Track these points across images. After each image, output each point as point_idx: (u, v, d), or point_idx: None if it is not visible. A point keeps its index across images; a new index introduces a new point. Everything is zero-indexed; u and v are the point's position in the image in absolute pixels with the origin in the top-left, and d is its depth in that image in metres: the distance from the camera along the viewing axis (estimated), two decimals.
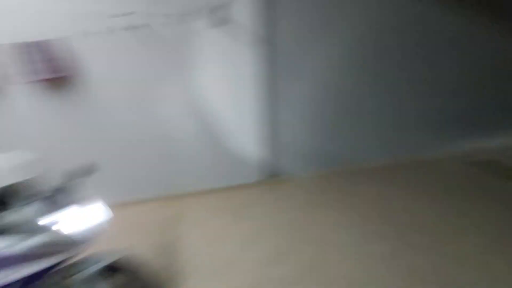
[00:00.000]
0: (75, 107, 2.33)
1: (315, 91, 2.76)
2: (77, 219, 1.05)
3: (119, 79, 2.35)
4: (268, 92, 2.66)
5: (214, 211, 2.53)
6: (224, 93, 2.60)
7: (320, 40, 2.57)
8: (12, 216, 0.97)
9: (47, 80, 2.11)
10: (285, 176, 3.00)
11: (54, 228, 0.99)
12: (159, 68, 2.39)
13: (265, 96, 2.67)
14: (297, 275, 1.76)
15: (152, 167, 2.70)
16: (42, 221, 0.98)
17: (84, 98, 2.32)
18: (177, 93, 2.50)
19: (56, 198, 1.05)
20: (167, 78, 2.44)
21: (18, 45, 2.01)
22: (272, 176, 2.96)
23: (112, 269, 1.22)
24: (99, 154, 2.26)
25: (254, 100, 2.66)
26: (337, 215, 2.33)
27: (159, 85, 2.45)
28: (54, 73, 2.09)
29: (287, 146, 2.90)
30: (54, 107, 2.29)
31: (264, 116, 2.73)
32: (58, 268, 1.04)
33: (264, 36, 2.44)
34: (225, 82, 2.57)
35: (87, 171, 1.25)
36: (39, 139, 2.34)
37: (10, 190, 0.88)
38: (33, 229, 0.96)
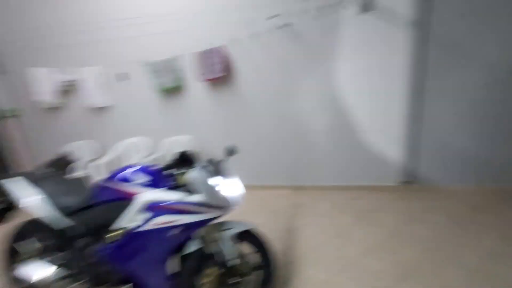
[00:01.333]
0: (230, 100, 2.91)
1: (474, 89, 2.29)
2: (227, 187, 1.35)
3: (264, 76, 2.72)
4: (416, 86, 2.38)
5: (341, 209, 2.46)
6: (367, 86, 2.48)
7: (486, 26, 2.15)
8: (184, 176, 1.34)
9: (215, 79, 2.75)
10: (426, 185, 2.64)
11: (212, 190, 1.29)
12: (301, 64, 2.58)
13: (413, 90, 2.39)
14: None
15: (287, 156, 2.91)
16: (204, 184, 1.28)
17: (236, 93, 2.86)
18: (318, 86, 2.61)
19: (213, 168, 1.37)
20: (308, 72, 2.59)
21: (203, 52, 2.68)
22: (410, 182, 2.66)
23: (242, 237, 1.47)
24: (244, 139, 2.97)
25: (400, 94, 2.42)
26: (493, 244, 1.86)
27: (300, 79, 2.64)
28: (220, 73, 2.69)
29: (434, 150, 2.52)
30: (216, 100, 2.95)
31: (410, 113, 2.45)
32: (209, 223, 1.35)
33: (416, 22, 2.18)
34: (368, 74, 2.45)
35: (232, 151, 1.53)
36: (206, 123, 3.07)
37: (186, 155, 1.30)
38: (198, 188, 1.27)
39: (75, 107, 3.54)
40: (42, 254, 1.66)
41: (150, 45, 2.95)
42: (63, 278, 1.56)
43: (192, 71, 2.89)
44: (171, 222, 1.29)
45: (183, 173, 1.36)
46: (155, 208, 1.30)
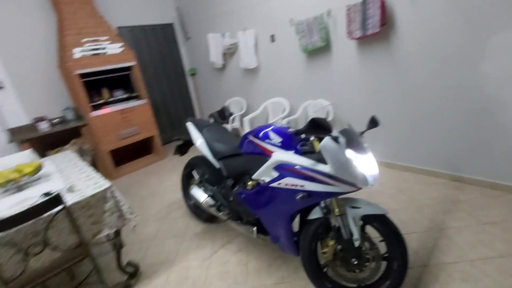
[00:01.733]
0: (383, 64, 2.45)
1: None
2: (361, 164, 1.18)
3: (437, 33, 2.06)
4: None
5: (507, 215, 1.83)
6: None
7: None
8: (318, 143, 1.28)
9: (367, 36, 2.37)
10: None
11: (344, 164, 1.16)
12: (496, 15, 1.78)
13: None
14: None
15: (453, 138, 2.23)
16: (337, 156, 1.16)
17: (393, 55, 2.36)
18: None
19: (349, 139, 1.20)
20: (506, 28, 1.78)
21: (354, 5, 2.34)
22: None
23: (370, 220, 1.33)
24: (395, 111, 2.53)
25: None
26: None
27: (493, 38, 1.84)
28: (375, 28, 2.27)
29: None
30: (365, 62, 2.57)
31: None
32: (336, 196, 1.28)
33: None
34: None
35: (376, 122, 1.36)
36: (350, 89, 2.78)
37: (320, 121, 1.11)
38: (330, 159, 1.17)
39: (233, 68, 4.10)
40: (200, 184, 2.15)
41: (299, 3, 2.87)
42: (211, 206, 1.96)
43: (340, 29, 2.63)
44: (296, 185, 1.31)
45: (318, 139, 1.30)
46: (284, 169, 1.35)
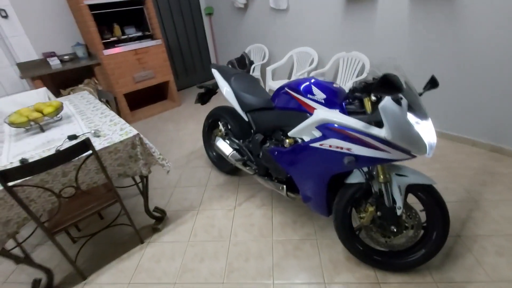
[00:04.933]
0: (439, 16, 2.12)
1: None
2: (421, 129, 1.05)
3: None
4: None
5: None
6: None
7: None
8: (376, 103, 1.11)
9: None
10: None
11: (407, 129, 1.04)
12: None
13: None
14: None
15: (496, 106, 2.08)
16: (399, 119, 1.03)
17: (453, 7, 2.03)
18: None
19: (414, 103, 1.07)
20: None
21: None
22: None
23: (413, 189, 1.24)
24: (439, 74, 2.27)
25: None
26: None
27: None
28: None
29: None
30: (419, 14, 2.22)
31: None
32: (385, 163, 1.19)
33: None
34: None
35: (435, 83, 1.17)
36: (396, 43, 2.45)
37: (389, 78, 0.92)
38: (389, 122, 1.03)
39: (257, 8, 3.67)
40: (225, 136, 2.05)
41: None
42: (238, 160, 1.89)
43: None
44: (342, 148, 1.19)
45: (372, 99, 1.14)
46: (329, 129, 1.22)
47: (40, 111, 1.63)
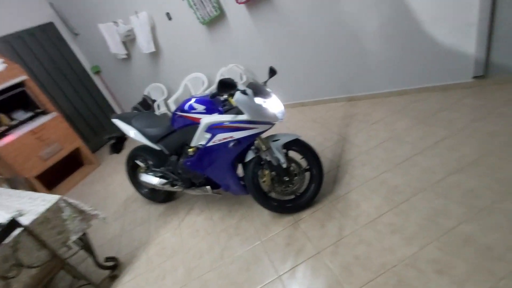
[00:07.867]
0: (269, 19, 2.82)
1: None
2: (268, 105, 1.56)
3: None
4: None
5: (398, 114, 2.39)
6: None
7: None
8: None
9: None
10: (503, 78, 2.20)
11: (256, 109, 1.52)
12: None
13: None
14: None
15: (338, 67, 2.81)
16: (248, 104, 1.50)
17: (275, 9, 2.74)
18: None
19: (255, 89, 1.56)
20: None
21: None
22: (483, 77, 2.26)
23: (290, 146, 1.73)
24: (291, 57, 2.99)
25: None
26: None
27: None
28: None
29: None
30: (257, 21, 2.91)
31: None
32: (259, 136, 1.64)
33: None
34: None
35: (273, 72, 1.69)
36: (252, 47, 3.13)
37: (225, 81, 1.43)
38: (244, 108, 1.51)
39: (139, 55, 3.99)
40: (147, 170, 2.30)
41: None
42: (165, 184, 2.17)
43: None
44: (227, 138, 1.62)
45: (232, 96, 1.59)
46: (214, 128, 1.63)
47: None
